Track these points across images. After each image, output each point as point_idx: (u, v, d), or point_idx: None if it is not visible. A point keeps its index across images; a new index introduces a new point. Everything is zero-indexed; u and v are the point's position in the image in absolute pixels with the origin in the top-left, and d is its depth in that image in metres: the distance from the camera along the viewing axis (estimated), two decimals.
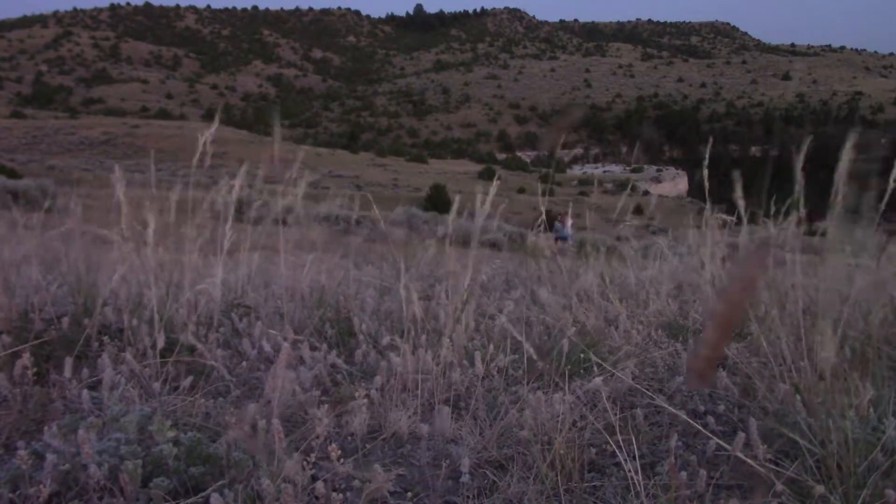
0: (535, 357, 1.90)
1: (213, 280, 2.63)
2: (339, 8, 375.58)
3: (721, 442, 1.65)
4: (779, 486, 1.47)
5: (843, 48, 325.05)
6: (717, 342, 0.43)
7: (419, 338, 2.38)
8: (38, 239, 3.28)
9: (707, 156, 2.53)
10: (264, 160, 2.97)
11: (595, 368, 2.21)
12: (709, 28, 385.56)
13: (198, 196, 2.79)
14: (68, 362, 2.06)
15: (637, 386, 2.11)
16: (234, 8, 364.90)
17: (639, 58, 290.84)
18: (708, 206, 2.75)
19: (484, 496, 1.65)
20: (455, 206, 2.55)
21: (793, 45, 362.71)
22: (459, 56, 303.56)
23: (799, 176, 1.85)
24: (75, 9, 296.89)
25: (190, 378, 2.12)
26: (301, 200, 3.09)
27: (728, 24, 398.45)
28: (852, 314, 2.07)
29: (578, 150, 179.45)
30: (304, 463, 1.51)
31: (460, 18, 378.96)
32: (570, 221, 15.00)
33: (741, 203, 1.96)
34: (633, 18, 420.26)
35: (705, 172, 2.60)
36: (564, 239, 14.11)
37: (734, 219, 2.99)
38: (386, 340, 2.47)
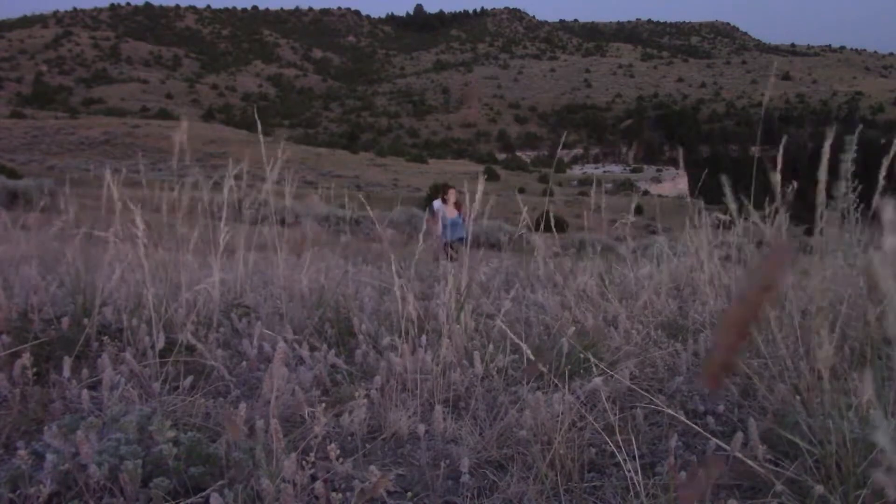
0: (532, 358, 1.90)
1: (211, 280, 2.63)
2: (339, 8, 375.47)
3: (721, 442, 1.65)
4: (779, 487, 1.47)
5: (843, 48, 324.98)
6: (733, 346, 0.42)
7: (419, 338, 2.38)
8: (36, 239, 3.28)
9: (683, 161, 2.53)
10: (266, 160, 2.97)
11: (594, 368, 2.21)
12: (709, 28, 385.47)
13: (197, 196, 2.79)
14: (68, 362, 2.06)
15: (636, 387, 2.11)
16: (234, 8, 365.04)
17: (639, 58, 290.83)
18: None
19: (484, 496, 1.64)
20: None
21: (793, 45, 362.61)
22: (459, 56, 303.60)
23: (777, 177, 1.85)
24: (75, 9, 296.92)
25: (190, 378, 2.12)
26: (293, 200, 3.08)
27: (728, 24, 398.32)
28: (851, 314, 2.07)
29: (578, 150, 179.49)
30: (304, 463, 1.51)
31: (460, 18, 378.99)
32: (450, 202, 9.40)
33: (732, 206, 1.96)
34: (633, 18, 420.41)
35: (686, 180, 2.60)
36: (455, 235, 8.93)
37: (729, 218, 3.00)
38: (386, 340, 2.47)
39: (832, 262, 1.93)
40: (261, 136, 2.86)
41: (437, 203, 9.51)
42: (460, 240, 8.71)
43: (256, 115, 3.22)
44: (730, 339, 0.42)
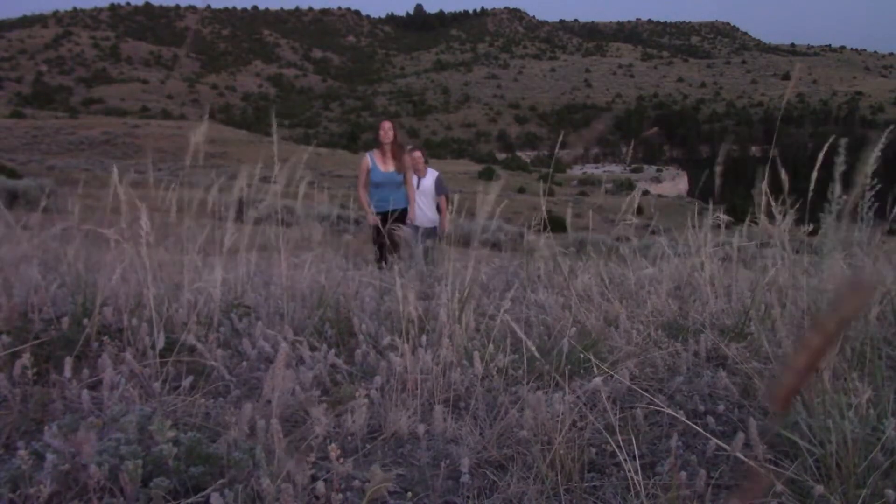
0: (536, 356, 1.90)
1: (212, 280, 2.63)
2: (339, 8, 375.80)
3: (720, 442, 1.65)
4: (779, 487, 1.47)
5: (843, 48, 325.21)
6: (806, 373, 0.44)
7: (419, 338, 2.38)
8: (37, 239, 3.28)
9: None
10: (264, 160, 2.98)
11: (595, 368, 2.21)
12: (709, 28, 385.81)
13: (198, 196, 2.79)
14: (68, 362, 2.06)
15: (636, 387, 2.11)
16: (234, 8, 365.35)
17: (639, 58, 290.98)
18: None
19: (484, 496, 1.64)
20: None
21: (793, 45, 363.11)
22: (459, 56, 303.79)
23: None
24: (75, 9, 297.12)
25: (190, 378, 2.12)
26: (300, 200, 3.09)
27: (728, 24, 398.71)
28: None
29: (578, 150, 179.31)
30: (304, 463, 1.51)
31: (460, 18, 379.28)
32: (385, 148, 6.04)
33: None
34: (633, 18, 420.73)
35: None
36: (392, 204, 5.92)
37: (732, 219, 3.00)
38: (386, 340, 2.47)
39: (834, 262, 1.93)
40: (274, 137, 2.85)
41: (368, 155, 6.26)
42: (399, 213, 5.92)
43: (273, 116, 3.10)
44: (803, 365, 0.44)
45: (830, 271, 1.84)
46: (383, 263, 5.38)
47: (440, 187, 6.71)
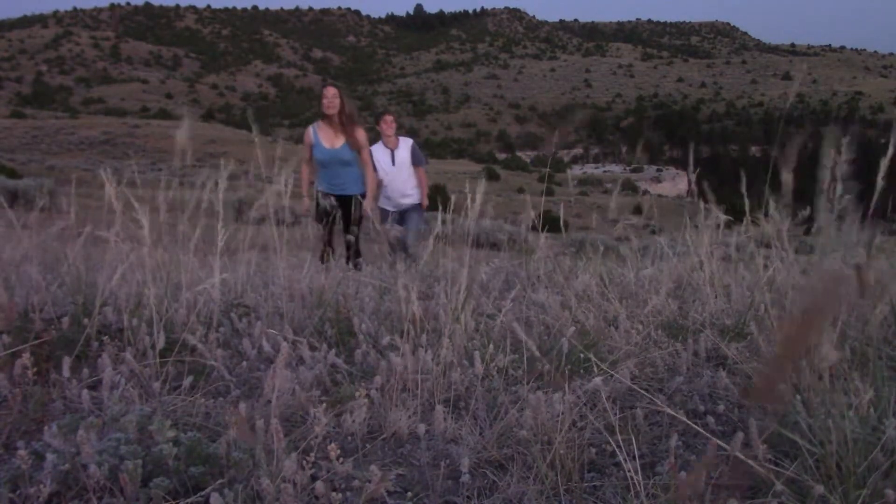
0: (537, 355, 1.90)
1: (212, 280, 2.63)
2: (339, 8, 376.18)
3: (721, 442, 1.65)
4: (779, 486, 1.47)
5: (843, 48, 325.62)
6: (785, 363, 0.45)
7: (419, 338, 2.38)
8: (37, 239, 3.28)
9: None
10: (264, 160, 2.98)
11: (595, 368, 2.21)
12: (709, 28, 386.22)
13: (198, 196, 2.79)
14: (68, 362, 2.06)
15: (636, 387, 2.11)
16: (234, 8, 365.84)
17: (639, 58, 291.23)
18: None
19: (484, 496, 1.64)
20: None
21: (793, 45, 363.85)
22: (459, 56, 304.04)
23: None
24: (75, 9, 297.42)
25: (190, 378, 2.12)
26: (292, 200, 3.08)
27: (728, 24, 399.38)
28: (852, 314, 2.07)
29: (578, 150, 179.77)
30: (304, 462, 1.51)
31: (460, 18, 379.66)
32: (331, 118, 5.15)
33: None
34: (633, 18, 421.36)
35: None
36: (340, 188, 5.19)
37: (731, 218, 3.00)
38: (386, 340, 2.47)
39: (831, 262, 1.93)
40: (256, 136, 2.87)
41: (311, 128, 5.25)
42: (344, 198, 5.00)
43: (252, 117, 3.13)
44: (784, 357, 0.45)
45: (825, 268, 1.84)
46: (329, 252, 4.78)
47: (416, 157, 5.88)
